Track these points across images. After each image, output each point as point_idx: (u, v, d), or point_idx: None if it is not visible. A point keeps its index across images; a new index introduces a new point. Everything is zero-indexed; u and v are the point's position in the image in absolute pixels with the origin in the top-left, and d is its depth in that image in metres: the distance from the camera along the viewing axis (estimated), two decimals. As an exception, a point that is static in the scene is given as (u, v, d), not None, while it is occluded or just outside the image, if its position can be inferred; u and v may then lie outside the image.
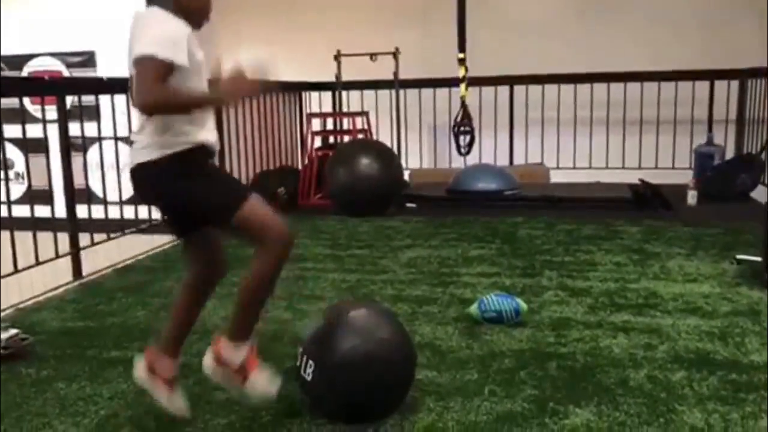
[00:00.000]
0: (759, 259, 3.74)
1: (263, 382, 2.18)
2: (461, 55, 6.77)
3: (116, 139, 4.89)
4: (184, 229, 2.25)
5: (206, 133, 2.10)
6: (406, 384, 2.37)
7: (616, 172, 6.92)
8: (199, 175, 2.05)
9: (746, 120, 6.90)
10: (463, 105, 6.98)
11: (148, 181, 2.06)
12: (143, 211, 5.23)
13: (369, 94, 7.36)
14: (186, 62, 1.97)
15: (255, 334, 2.21)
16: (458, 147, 7.11)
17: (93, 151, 4.93)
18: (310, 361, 2.25)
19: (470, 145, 7.07)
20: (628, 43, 7.31)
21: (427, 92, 7.44)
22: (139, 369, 2.28)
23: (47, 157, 4.30)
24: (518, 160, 7.44)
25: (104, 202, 4.73)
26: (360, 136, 6.77)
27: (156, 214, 5.30)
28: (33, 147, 4.24)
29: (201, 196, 2.03)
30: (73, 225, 4.31)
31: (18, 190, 6.20)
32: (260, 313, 2.19)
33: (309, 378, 2.26)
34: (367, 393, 2.25)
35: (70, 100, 4.49)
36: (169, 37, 1.97)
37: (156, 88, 1.92)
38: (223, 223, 2.07)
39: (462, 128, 7.04)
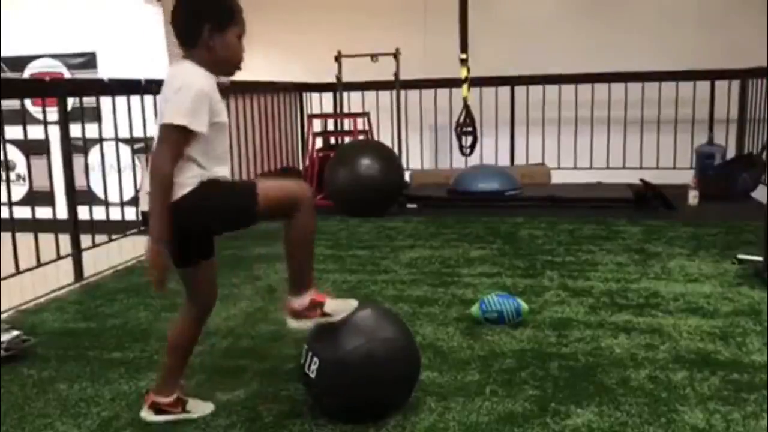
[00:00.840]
0: (760, 258, 3.74)
1: (339, 305, 2.26)
2: (463, 56, 6.77)
3: (117, 140, 4.90)
4: (197, 255, 2.31)
5: (219, 168, 2.18)
6: (410, 384, 2.38)
7: (617, 172, 6.92)
8: (212, 197, 2.14)
9: (747, 120, 6.90)
10: (466, 106, 6.98)
11: (176, 219, 2.11)
12: (144, 213, 5.24)
13: (370, 94, 7.37)
14: (205, 129, 2.05)
15: (313, 283, 2.28)
16: (461, 148, 7.11)
17: (94, 153, 4.93)
18: (315, 358, 2.25)
19: (473, 145, 7.07)
20: (629, 43, 7.32)
21: (428, 93, 7.45)
22: (147, 415, 2.36)
23: (48, 159, 4.31)
24: (519, 160, 7.45)
25: (105, 203, 4.73)
26: (361, 137, 6.77)
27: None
28: (34, 148, 4.24)
29: (221, 211, 2.16)
30: (74, 226, 4.31)
31: (19, 191, 6.21)
32: (311, 263, 2.27)
33: (313, 375, 2.26)
34: (370, 391, 2.25)
35: (71, 101, 4.50)
36: (193, 99, 2.03)
37: (166, 164, 2.04)
38: (252, 221, 2.18)
39: (464, 129, 7.04)
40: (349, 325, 2.28)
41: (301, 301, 2.23)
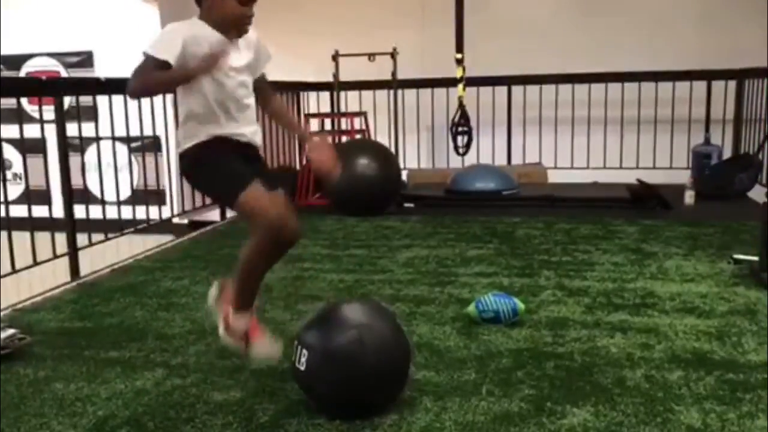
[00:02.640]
0: (756, 258, 3.75)
1: (265, 348, 2.41)
2: (459, 56, 6.78)
3: (114, 139, 4.90)
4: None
5: (223, 128, 2.32)
6: (399, 378, 2.38)
7: (614, 172, 6.93)
8: (207, 165, 2.31)
9: (743, 120, 6.91)
10: (461, 105, 6.98)
11: (180, 168, 2.42)
12: (141, 212, 5.24)
13: (367, 94, 7.37)
14: (173, 58, 2.19)
15: (254, 308, 2.41)
16: (456, 147, 7.12)
17: (91, 152, 4.93)
18: (304, 350, 2.28)
19: (468, 145, 7.08)
20: (626, 43, 7.32)
21: (425, 92, 7.45)
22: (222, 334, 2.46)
23: (45, 158, 4.30)
24: (516, 160, 7.45)
25: (102, 202, 4.72)
26: (358, 136, 6.77)
27: (153, 215, 5.33)
28: (30, 147, 4.24)
29: (209, 184, 2.37)
30: (70, 225, 4.31)
31: (16, 190, 6.21)
32: (254, 287, 2.39)
33: (303, 368, 2.28)
34: (358, 382, 2.26)
35: (67, 100, 4.49)
36: (162, 38, 2.24)
37: (135, 77, 2.23)
38: (229, 207, 2.35)
39: (460, 128, 7.04)
40: (338, 318, 2.36)
41: (237, 322, 2.38)
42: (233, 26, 2.31)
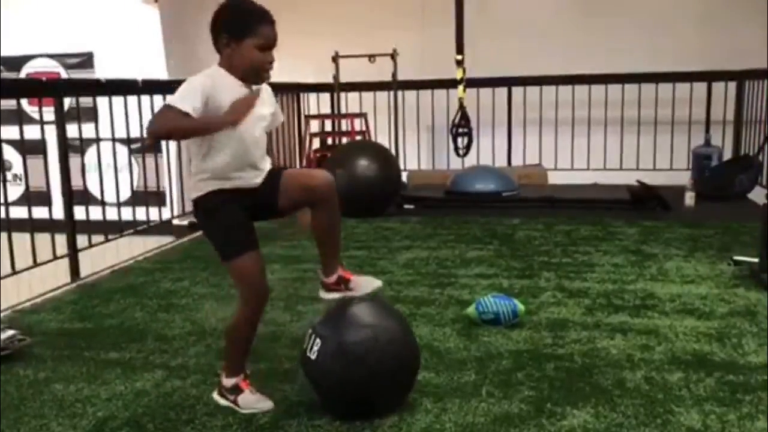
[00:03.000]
0: (756, 259, 3.74)
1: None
2: (459, 57, 6.78)
3: (114, 140, 4.90)
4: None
5: (237, 182, 2.34)
6: (405, 381, 2.39)
7: (614, 173, 6.93)
8: (214, 220, 2.36)
9: (744, 121, 6.91)
10: (461, 106, 6.98)
11: (193, 213, 2.51)
12: (141, 213, 5.24)
13: (367, 95, 7.37)
14: (193, 110, 2.17)
15: (246, 366, 2.48)
16: (456, 148, 7.12)
17: (91, 153, 4.93)
18: (317, 340, 2.31)
19: (468, 146, 7.08)
20: (626, 44, 7.32)
21: (425, 94, 7.45)
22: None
23: (45, 159, 4.30)
24: (516, 161, 7.45)
25: (102, 203, 4.72)
26: (358, 137, 6.77)
27: (153, 216, 5.33)
28: (31, 148, 4.24)
29: (212, 236, 2.39)
30: (70, 227, 4.31)
31: (16, 191, 6.20)
32: (242, 355, 2.45)
33: (313, 357, 2.30)
34: (367, 380, 2.27)
35: (67, 101, 4.49)
36: (184, 90, 2.22)
37: (157, 119, 2.24)
38: (223, 264, 2.38)
39: (460, 129, 7.04)
40: (354, 313, 2.39)
41: (228, 385, 2.44)
42: (254, 73, 2.31)
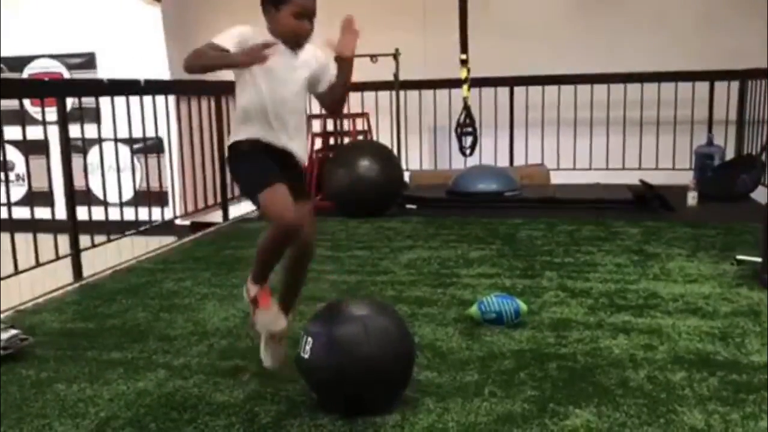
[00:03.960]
0: (759, 259, 3.74)
1: (267, 318, 2.53)
2: (463, 56, 6.76)
3: (116, 140, 4.90)
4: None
5: (268, 133, 2.46)
6: (403, 369, 2.39)
7: (617, 173, 6.92)
8: (243, 161, 2.49)
9: (746, 121, 6.90)
10: (466, 106, 6.97)
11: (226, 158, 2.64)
12: (143, 213, 5.25)
13: (369, 95, 7.36)
14: (229, 46, 2.33)
15: (267, 282, 2.56)
16: (461, 148, 7.10)
17: (93, 153, 4.93)
18: (309, 338, 2.34)
19: (473, 146, 7.07)
20: (629, 44, 7.31)
21: (427, 93, 7.45)
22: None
23: (47, 159, 4.31)
24: (518, 161, 7.45)
25: (104, 203, 4.73)
26: (360, 137, 6.77)
27: (155, 216, 5.34)
28: (33, 149, 4.24)
29: (240, 177, 2.54)
30: (73, 227, 4.31)
31: (18, 191, 6.21)
32: (266, 269, 2.55)
33: (307, 356, 2.33)
34: (361, 371, 2.28)
35: (70, 101, 4.50)
36: (225, 32, 2.39)
37: (191, 53, 2.35)
38: (252, 202, 2.50)
39: (465, 129, 7.04)
40: (344, 310, 2.45)
41: (250, 288, 2.57)
42: (289, 39, 2.45)
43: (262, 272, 2.55)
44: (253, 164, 2.46)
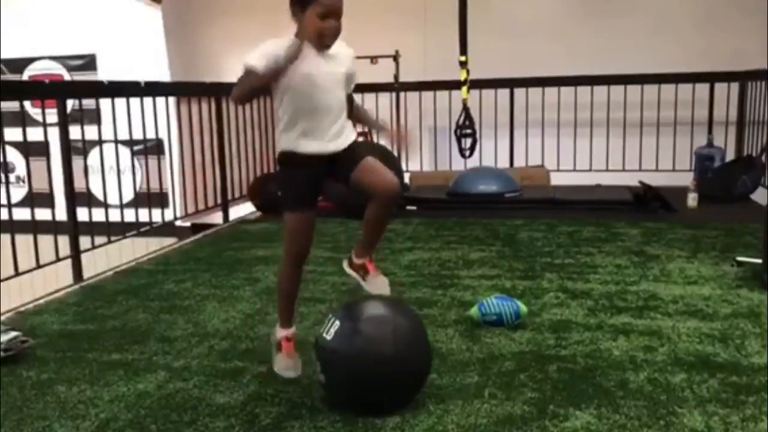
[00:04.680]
0: (759, 260, 3.74)
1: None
2: (463, 58, 6.77)
3: (117, 142, 4.90)
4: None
5: (308, 138, 2.54)
6: (416, 381, 2.41)
7: (617, 175, 6.92)
8: (283, 174, 2.64)
9: (746, 122, 6.90)
10: (465, 108, 6.97)
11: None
12: (144, 215, 5.25)
13: (369, 96, 7.35)
14: (255, 65, 2.42)
15: (292, 326, 2.72)
16: (460, 150, 7.10)
17: (94, 155, 4.93)
18: (336, 322, 2.38)
19: (472, 147, 7.07)
20: (629, 45, 7.32)
21: (427, 95, 7.45)
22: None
23: (48, 161, 4.31)
24: (519, 162, 7.45)
25: (105, 205, 4.73)
26: (360, 138, 6.76)
27: (156, 217, 5.34)
28: (34, 150, 4.25)
29: (279, 187, 2.67)
30: (73, 228, 4.31)
31: (19, 193, 6.21)
32: (285, 303, 2.72)
33: (329, 337, 2.36)
34: (376, 373, 2.30)
35: (70, 103, 4.50)
36: (255, 50, 2.46)
37: (235, 88, 2.49)
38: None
39: (464, 131, 7.04)
40: (375, 307, 2.51)
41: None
42: (315, 39, 2.50)
43: (283, 312, 2.71)
44: (291, 182, 2.60)
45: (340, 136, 2.59)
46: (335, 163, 2.58)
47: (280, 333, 2.69)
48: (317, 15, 2.46)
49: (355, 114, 2.76)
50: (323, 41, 2.51)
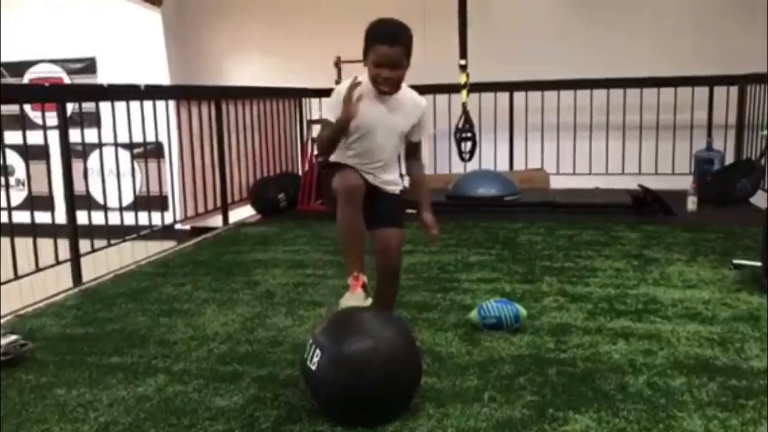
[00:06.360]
0: (756, 263, 3.74)
1: (352, 301, 2.70)
2: (462, 62, 6.78)
3: (116, 145, 4.91)
4: None
5: (353, 160, 2.79)
6: (407, 390, 2.38)
7: (616, 178, 6.93)
8: (333, 170, 2.79)
9: (746, 125, 6.91)
10: (465, 111, 6.98)
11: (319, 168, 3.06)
12: (144, 218, 5.25)
13: (369, 100, 7.37)
14: (329, 116, 2.75)
15: (358, 271, 2.75)
16: (460, 153, 7.11)
17: (93, 158, 4.94)
18: (317, 350, 2.31)
19: (472, 151, 7.08)
20: (628, 49, 7.33)
21: (426, 98, 7.43)
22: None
23: (48, 164, 4.31)
24: (518, 165, 7.45)
25: (104, 208, 4.73)
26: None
27: (156, 221, 5.34)
28: (33, 153, 4.25)
29: (325, 181, 2.84)
30: (73, 231, 4.31)
31: (18, 196, 6.22)
32: (349, 251, 2.77)
33: (314, 368, 2.30)
34: (366, 393, 2.27)
35: (70, 106, 4.50)
36: (331, 99, 2.77)
37: (320, 135, 2.82)
38: (331, 197, 2.77)
39: (464, 134, 7.04)
40: (355, 324, 2.41)
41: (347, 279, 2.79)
42: (375, 84, 2.72)
43: (348, 261, 2.74)
44: (339, 168, 2.75)
45: (383, 175, 2.83)
46: (371, 198, 2.75)
47: (348, 279, 2.73)
48: (373, 62, 2.68)
49: (414, 181, 2.99)
50: (377, 87, 2.71)
